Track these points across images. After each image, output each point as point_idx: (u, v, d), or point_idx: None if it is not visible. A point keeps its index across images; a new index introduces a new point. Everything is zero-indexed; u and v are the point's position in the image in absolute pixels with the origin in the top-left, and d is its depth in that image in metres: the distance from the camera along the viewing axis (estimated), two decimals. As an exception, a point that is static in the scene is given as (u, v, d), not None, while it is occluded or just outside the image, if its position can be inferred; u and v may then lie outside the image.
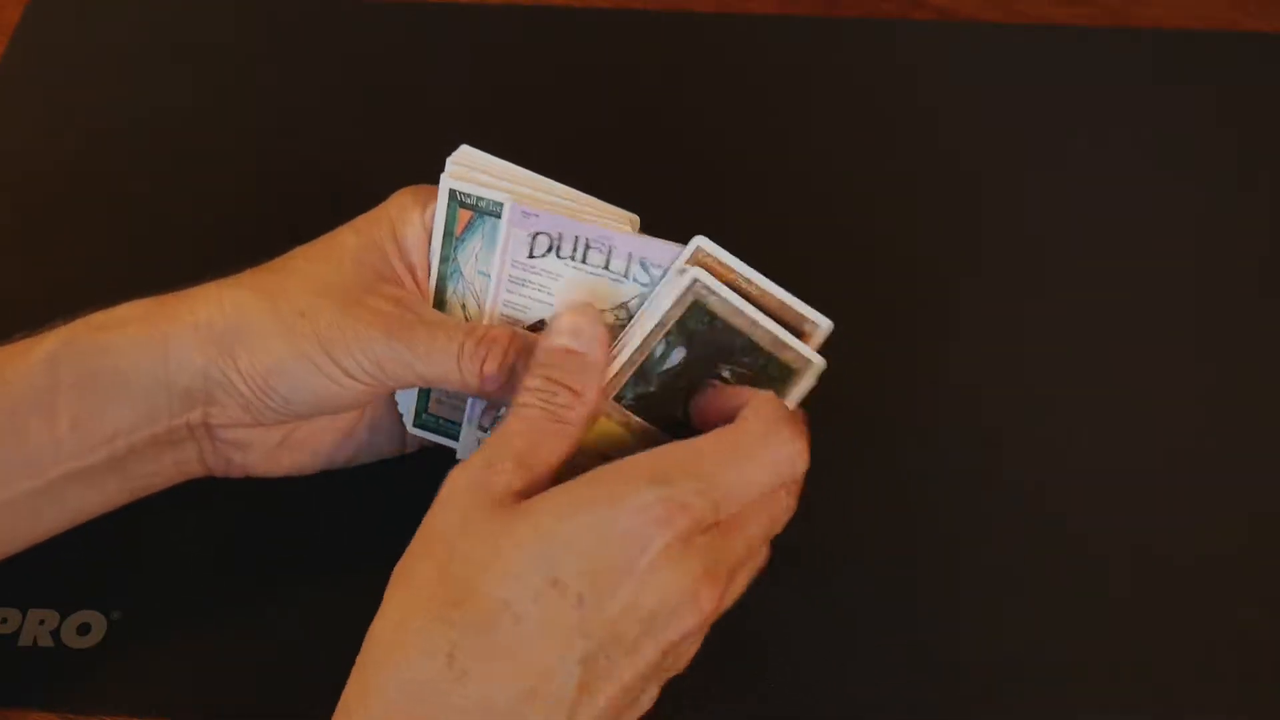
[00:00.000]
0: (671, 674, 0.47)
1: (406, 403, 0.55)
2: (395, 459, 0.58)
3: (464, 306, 0.52)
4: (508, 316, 0.51)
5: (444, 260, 0.52)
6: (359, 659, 0.45)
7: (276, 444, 0.54)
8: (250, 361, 0.50)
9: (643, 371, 0.50)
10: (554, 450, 0.46)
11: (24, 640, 0.56)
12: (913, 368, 0.61)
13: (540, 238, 0.50)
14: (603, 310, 0.51)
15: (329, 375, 0.50)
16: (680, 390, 0.50)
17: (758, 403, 0.47)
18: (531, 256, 0.51)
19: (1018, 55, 0.70)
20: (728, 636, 0.56)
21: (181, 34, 0.74)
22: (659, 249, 0.50)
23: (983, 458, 0.59)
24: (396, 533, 0.58)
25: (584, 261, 0.50)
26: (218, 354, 0.50)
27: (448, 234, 0.52)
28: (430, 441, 0.55)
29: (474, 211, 0.51)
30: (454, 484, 0.46)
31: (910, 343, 0.62)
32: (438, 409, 0.55)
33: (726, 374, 0.50)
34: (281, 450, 0.55)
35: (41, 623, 0.56)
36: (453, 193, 0.51)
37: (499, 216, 0.51)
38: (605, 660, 0.43)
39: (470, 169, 0.52)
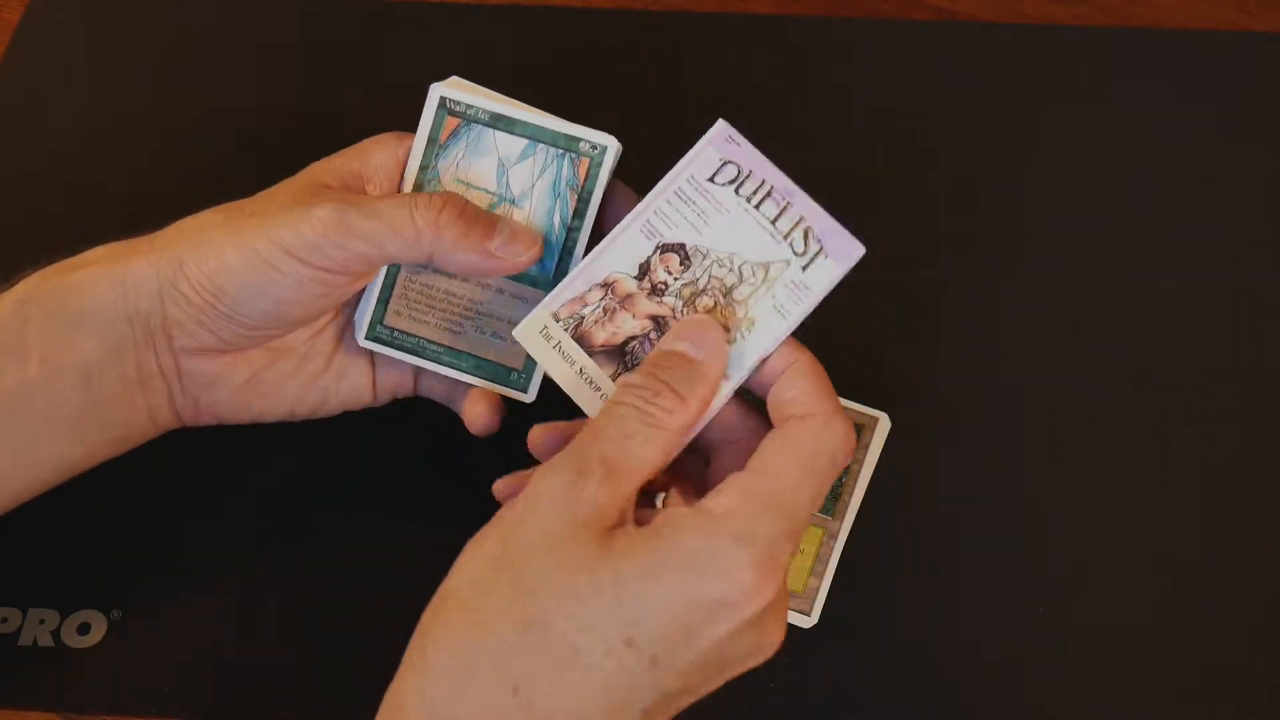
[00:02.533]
0: None
1: (363, 314, 0.55)
2: (383, 436, 0.58)
3: None
4: (649, 225, 0.50)
5: (423, 168, 0.53)
6: (415, 660, 0.44)
7: (243, 382, 0.55)
8: (197, 267, 0.51)
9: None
10: (644, 456, 0.45)
11: (24, 640, 0.56)
12: (912, 367, 0.61)
13: (728, 166, 0.49)
14: (743, 263, 0.49)
15: (272, 261, 0.50)
16: None
17: (816, 386, 0.46)
18: (711, 180, 0.50)
19: (1018, 55, 0.70)
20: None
21: (181, 34, 0.74)
22: (831, 228, 0.50)
23: (981, 458, 0.59)
24: (399, 533, 0.58)
25: (757, 208, 0.49)
26: (168, 268, 0.51)
27: (431, 140, 0.53)
28: (391, 359, 0.56)
29: (461, 119, 0.53)
30: (539, 487, 0.44)
31: (909, 342, 0.62)
32: (395, 320, 0.55)
33: None
34: (249, 390, 0.55)
35: (41, 622, 0.56)
36: (442, 99, 0.53)
37: (486, 124, 0.53)
38: (669, 704, 0.44)
39: (459, 89, 0.54)
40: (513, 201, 0.53)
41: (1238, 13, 0.70)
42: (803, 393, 0.46)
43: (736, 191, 0.49)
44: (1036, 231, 0.64)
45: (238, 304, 0.51)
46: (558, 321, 0.50)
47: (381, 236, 0.50)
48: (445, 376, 0.55)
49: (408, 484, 0.59)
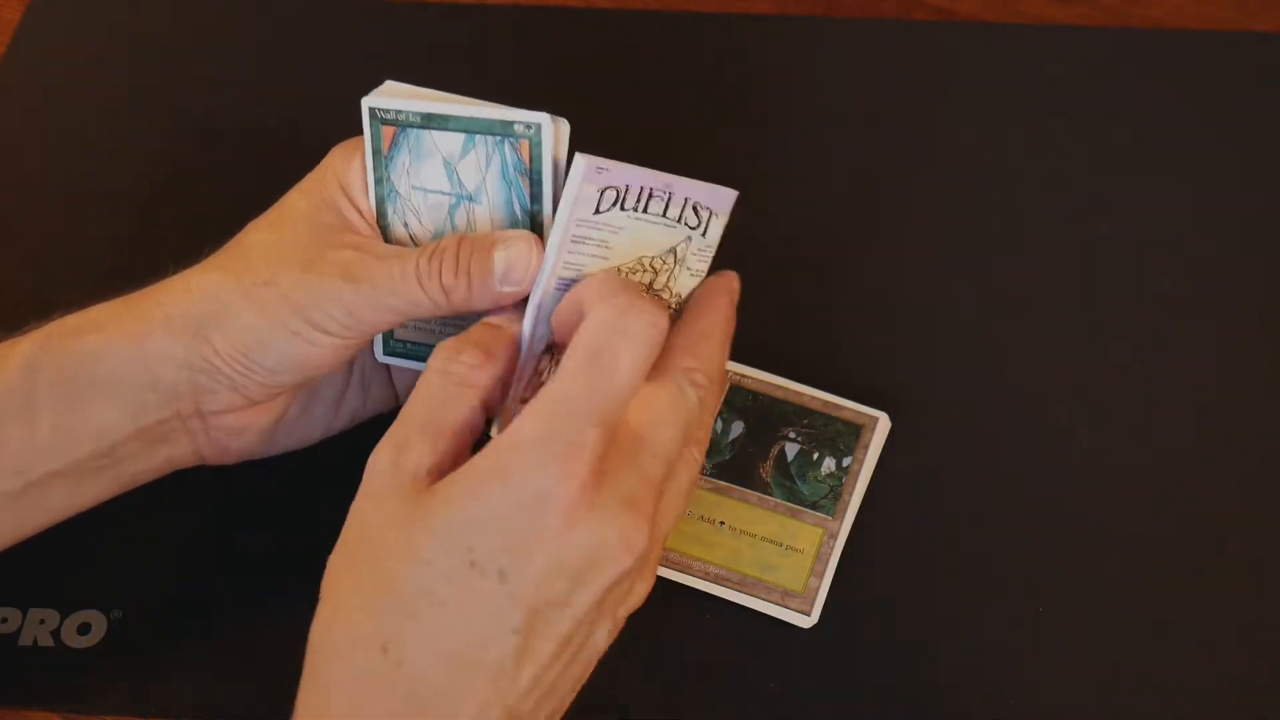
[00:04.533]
0: (627, 609, 0.47)
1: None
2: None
3: (406, 225, 0.53)
4: (565, 279, 0.50)
5: (379, 182, 0.52)
6: (305, 665, 0.45)
7: (271, 425, 0.55)
8: (226, 342, 0.50)
9: (712, 445, 0.57)
10: (458, 413, 0.46)
11: (24, 640, 0.56)
12: (912, 367, 0.61)
13: (608, 192, 0.49)
14: (652, 256, 0.50)
15: (306, 337, 0.50)
16: (753, 454, 0.58)
17: (590, 290, 0.47)
18: (598, 212, 0.50)
19: (1018, 55, 0.70)
20: (724, 628, 0.56)
21: (181, 34, 0.74)
22: (710, 194, 0.51)
23: (981, 458, 0.59)
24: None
25: (645, 211, 0.50)
26: (193, 341, 0.50)
27: (376, 154, 0.52)
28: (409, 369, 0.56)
29: (395, 126, 0.52)
30: (371, 469, 0.46)
31: (909, 342, 0.62)
32: (404, 334, 0.55)
33: (794, 435, 0.58)
34: (277, 430, 0.55)
35: (41, 622, 0.56)
36: (371, 110, 0.52)
37: (419, 127, 0.51)
38: (541, 622, 0.44)
39: (391, 95, 0.52)
40: (470, 198, 0.52)
41: (1238, 13, 0.70)
42: (579, 296, 0.47)
43: (622, 208, 0.50)
44: (1036, 231, 0.64)
45: (274, 373, 0.51)
46: (523, 404, 0.51)
47: (401, 307, 0.50)
48: None
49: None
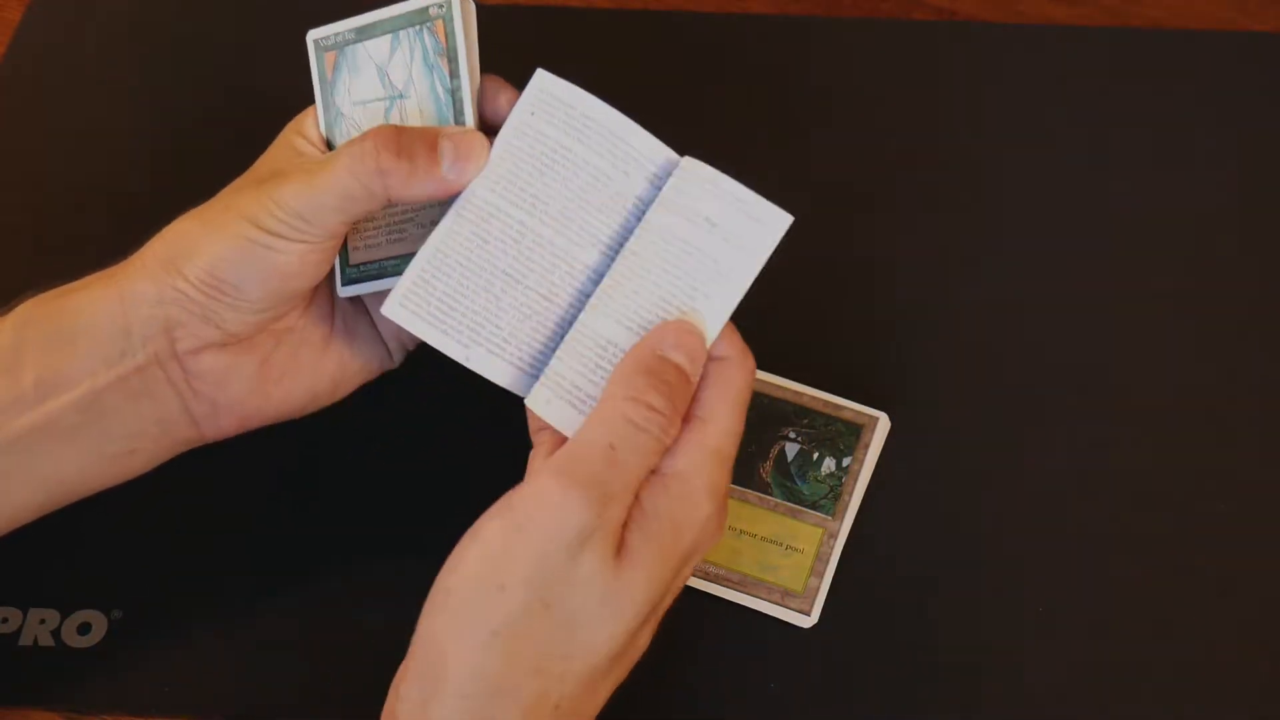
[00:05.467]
0: None
1: (336, 267, 0.56)
2: (383, 434, 0.58)
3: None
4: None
5: (326, 109, 0.55)
6: (433, 675, 0.46)
7: (256, 370, 0.55)
8: (194, 268, 0.52)
9: None
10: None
11: (24, 640, 0.56)
12: (912, 367, 0.61)
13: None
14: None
15: (262, 243, 0.51)
16: (753, 454, 0.57)
17: (736, 347, 0.50)
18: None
19: (1018, 55, 0.70)
20: (724, 628, 0.56)
21: (182, 33, 0.74)
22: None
23: (981, 458, 0.59)
24: (399, 532, 0.58)
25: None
26: (164, 274, 0.52)
27: (323, 82, 0.55)
28: (373, 293, 0.56)
29: (335, 50, 0.55)
30: (567, 510, 0.46)
31: (909, 342, 0.62)
32: (358, 256, 0.55)
33: (794, 435, 0.58)
34: (264, 378, 0.55)
35: (42, 622, 0.56)
36: (315, 42, 0.56)
37: (355, 42, 0.55)
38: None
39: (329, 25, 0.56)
40: (401, 96, 0.54)
41: (1238, 13, 0.70)
42: (701, 333, 0.50)
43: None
44: (1036, 231, 0.64)
45: (241, 290, 0.52)
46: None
47: (340, 202, 0.51)
48: None
49: (408, 482, 0.59)
